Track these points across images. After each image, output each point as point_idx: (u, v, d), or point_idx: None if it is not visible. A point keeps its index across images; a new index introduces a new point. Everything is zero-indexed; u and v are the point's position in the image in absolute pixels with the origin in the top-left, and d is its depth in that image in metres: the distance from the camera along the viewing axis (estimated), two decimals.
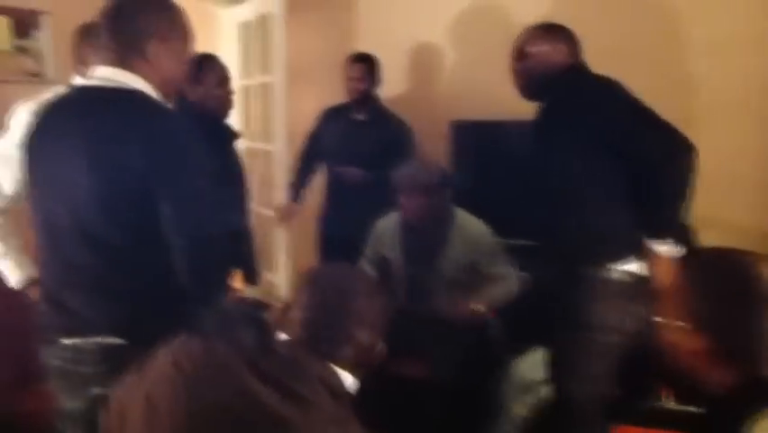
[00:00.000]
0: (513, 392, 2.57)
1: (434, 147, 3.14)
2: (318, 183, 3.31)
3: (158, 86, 1.45)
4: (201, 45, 2.68)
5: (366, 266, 2.68)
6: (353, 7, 3.47)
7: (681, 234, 1.81)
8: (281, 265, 3.69)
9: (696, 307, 1.16)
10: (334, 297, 1.23)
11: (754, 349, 1.11)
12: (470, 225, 2.51)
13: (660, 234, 1.80)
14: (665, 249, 1.79)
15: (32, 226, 1.48)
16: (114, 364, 1.34)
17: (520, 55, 2.04)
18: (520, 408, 2.48)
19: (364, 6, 3.45)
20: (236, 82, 3.76)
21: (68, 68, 1.99)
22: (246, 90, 3.87)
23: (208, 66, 2.38)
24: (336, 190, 3.19)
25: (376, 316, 1.25)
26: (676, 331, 1.18)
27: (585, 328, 1.88)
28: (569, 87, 1.92)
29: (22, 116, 1.78)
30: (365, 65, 3.08)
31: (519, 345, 2.64)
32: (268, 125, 3.64)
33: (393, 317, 1.33)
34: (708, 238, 2.16)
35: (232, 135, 2.49)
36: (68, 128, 1.38)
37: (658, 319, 1.24)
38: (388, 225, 2.63)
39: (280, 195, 3.44)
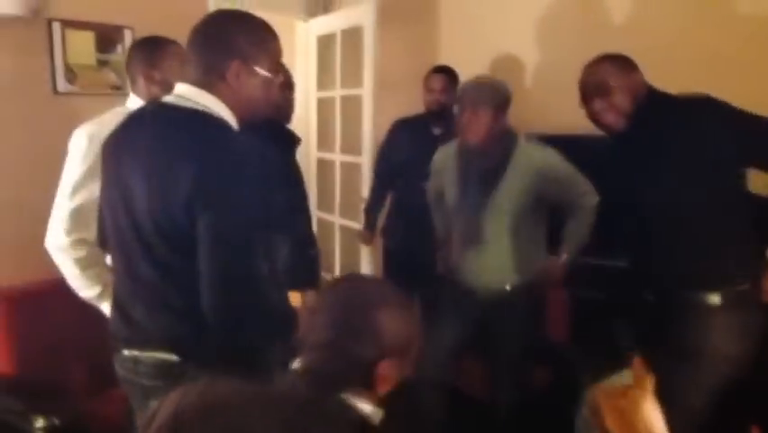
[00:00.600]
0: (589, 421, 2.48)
1: None
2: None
3: (237, 107, 1.41)
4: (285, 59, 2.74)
5: (430, 202, 2.63)
6: (436, 20, 3.42)
7: None
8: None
9: None
10: (354, 315, 1.07)
11: None
12: (534, 152, 2.34)
13: None
14: None
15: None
16: (168, 380, 1.35)
17: (604, 91, 1.92)
18: None
19: (446, 19, 3.39)
20: (313, 94, 3.85)
21: None
22: (325, 102, 3.90)
23: None
24: (409, 206, 3.08)
25: (402, 337, 1.09)
26: None
27: (694, 356, 1.79)
28: (672, 111, 1.84)
29: (80, 140, 1.82)
30: (446, 77, 3.01)
31: (600, 369, 2.54)
32: (351, 137, 3.64)
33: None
34: None
35: (294, 140, 2.48)
36: (136, 144, 1.39)
37: None
38: (446, 153, 2.51)
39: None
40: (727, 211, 1.80)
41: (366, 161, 3.44)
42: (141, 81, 1.95)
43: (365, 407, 1.05)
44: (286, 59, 3.35)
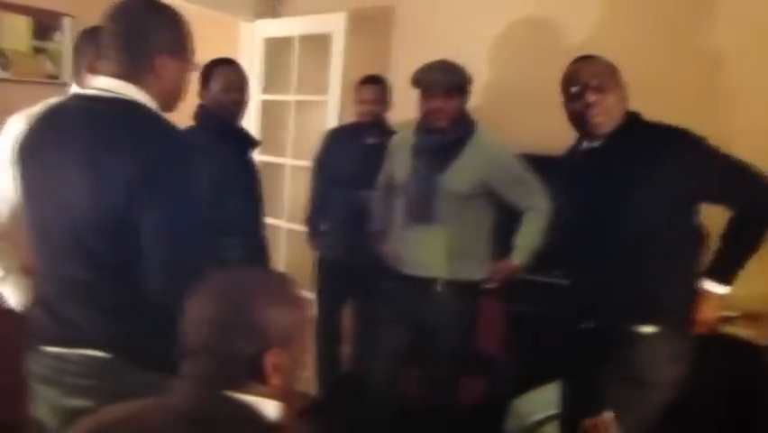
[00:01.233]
0: (515, 431, 2.52)
1: None
2: None
3: (160, 99, 1.43)
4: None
5: (379, 190, 2.64)
6: (391, 33, 3.45)
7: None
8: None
9: None
10: (230, 310, 1.01)
11: None
12: (491, 141, 2.37)
13: (723, 279, 1.82)
14: (722, 290, 1.82)
15: (27, 237, 1.45)
16: (99, 378, 1.34)
17: (601, 87, 1.83)
18: None
19: (401, 33, 3.42)
20: (257, 96, 3.79)
21: None
22: (273, 105, 3.87)
23: (215, 72, 2.36)
24: (343, 216, 3.09)
25: (284, 325, 1.03)
26: None
27: (639, 386, 1.82)
28: (648, 136, 1.83)
29: (15, 127, 1.74)
30: (377, 87, 3.02)
31: (526, 382, 2.58)
32: (304, 142, 3.61)
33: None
34: None
35: (250, 143, 2.45)
36: (62, 138, 1.36)
37: None
38: (403, 135, 2.53)
39: None
40: (676, 243, 1.83)
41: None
42: (85, 72, 1.88)
43: (265, 405, 1.02)
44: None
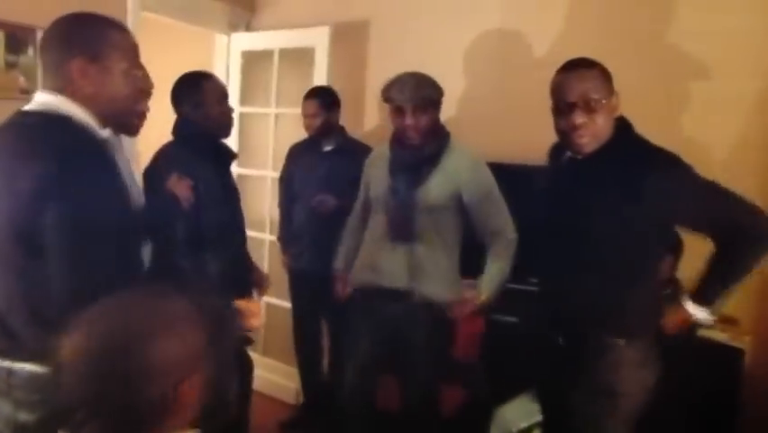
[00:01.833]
0: None
1: None
2: None
3: (96, 106, 1.41)
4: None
5: (358, 207, 2.64)
6: (366, 48, 3.47)
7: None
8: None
9: None
10: (117, 358, 0.87)
11: None
12: (463, 152, 2.35)
13: (707, 304, 1.80)
14: (704, 315, 1.81)
15: None
16: (43, 392, 1.31)
17: (590, 105, 1.71)
18: None
19: (376, 41, 3.45)
20: (236, 109, 3.76)
21: None
22: (250, 118, 3.86)
23: (205, 84, 2.35)
24: (309, 227, 3.15)
25: (184, 355, 0.92)
26: None
27: (610, 395, 1.82)
28: (638, 157, 1.74)
29: None
30: (317, 100, 3.09)
31: (505, 391, 2.59)
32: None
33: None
34: None
35: (230, 156, 2.44)
36: None
37: None
38: (378, 153, 2.53)
39: None
40: (646, 260, 1.83)
41: None
42: None
43: None
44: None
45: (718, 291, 1.79)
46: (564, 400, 1.90)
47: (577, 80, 1.73)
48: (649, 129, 1.81)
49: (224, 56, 3.79)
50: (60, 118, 1.37)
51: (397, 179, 2.34)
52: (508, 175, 2.40)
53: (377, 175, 2.46)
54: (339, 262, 2.69)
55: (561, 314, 1.94)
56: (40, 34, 2.70)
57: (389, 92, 2.28)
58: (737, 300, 2.09)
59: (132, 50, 1.49)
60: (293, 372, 3.54)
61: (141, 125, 2.01)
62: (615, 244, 1.77)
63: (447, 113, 3.17)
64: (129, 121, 1.56)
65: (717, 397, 2.29)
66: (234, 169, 3.76)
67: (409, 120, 2.25)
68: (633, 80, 2.60)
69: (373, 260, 2.42)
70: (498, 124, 2.98)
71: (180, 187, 2.11)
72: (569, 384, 1.88)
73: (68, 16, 1.45)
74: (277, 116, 3.71)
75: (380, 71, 3.32)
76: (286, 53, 3.61)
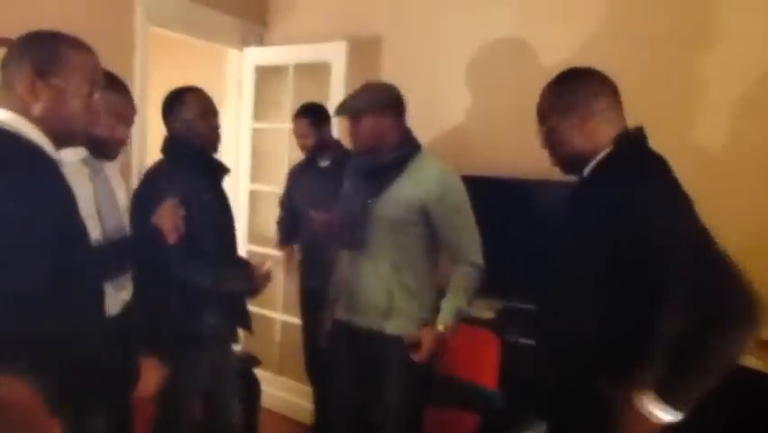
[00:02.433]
0: None
1: None
2: None
3: (48, 125, 1.37)
4: (214, 86, 2.63)
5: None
6: (379, 62, 3.41)
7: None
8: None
9: None
10: None
11: None
12: (432, 164, 2.20)
13: (672, 402, 1.41)
14: (669, 417, 1.41)
15: None
16: None
17: (543, 128, 1.68)
18: None
19: (388, 55, 3.38)
20: (247, 125, 3.73)
21: None
22: (264, 133, 3.81)
23: (188, 98, 2.28)
24: (315, 248, 3.06)
25: None
26: None
27: None
28: (616, 183, 1.52)
29: None
30: (306, 119, 3.05)
31: (522, 418, 2.45)
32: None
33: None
34: None
35: (221, 170, 2.37)
36: None
37: None
38: (351, 165, 2.42)
39: None
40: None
41: None
42: None
43: None
44: (216, 87, 3.26)
45: (690, 392, 1.41)
46: None
47: (540, 97, 1.74)
48: (665, 138, 1.70)
49: (237, 71, 3.74)
50: (3, 132, 1.32)
51: (352, 186, 2.29)
52: (526, 191, 2.28)
53: (345, 184, 2.39)
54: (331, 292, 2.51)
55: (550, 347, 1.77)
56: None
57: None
58: None
59: (90, 72, 1.43)
60: (309, 391, 3.46)
61: (119, 151, 1.97)
62: (585, 278, 1.57)
63: (459, 125, 3.13)
64: (104, 145, 1.63)
65: (753, 427, 2.12)
66: (247, 184, 3.76)
67: (349, 127, 2.23)
68: (648, 89, 2.55)
69: (347, 285, 2.30)
70: (513, 138, 2.88)
71: (167, 220, 1.97)
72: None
73: (28, 33, 1.42)
74: (291, 132, 3.63)
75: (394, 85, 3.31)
76: (300, 68, 3.57)
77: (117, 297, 1.90)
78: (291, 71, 3.57)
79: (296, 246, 3.33)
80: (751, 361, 2.18)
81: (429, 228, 2.18)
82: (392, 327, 2.19)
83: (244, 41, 3.66)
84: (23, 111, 1.34)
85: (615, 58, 2.60)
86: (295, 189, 3.24)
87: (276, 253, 3.59)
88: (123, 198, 2.00)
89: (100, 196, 1.85)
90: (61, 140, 1.42)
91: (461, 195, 2.19)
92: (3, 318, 1.15)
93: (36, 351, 1.17)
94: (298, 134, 3.11)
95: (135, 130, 2.93)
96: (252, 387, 2.98)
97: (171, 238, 1.95)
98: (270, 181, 3.71)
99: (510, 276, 2.46)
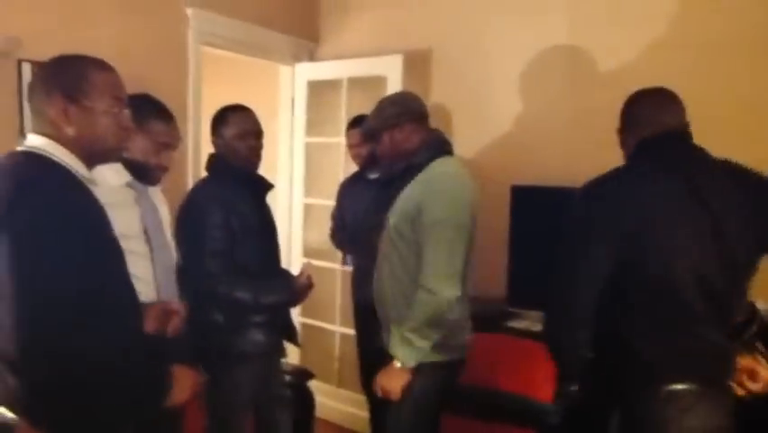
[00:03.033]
0: None
1: (497, 210, 2.94)
2: None
3: (82, 148, 1.41)
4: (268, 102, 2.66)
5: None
6: (429, 73, 3.41)
7: None
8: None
9: None
10: None
11: None
12: (435, 170, 2.09)
13: None
14: None
15: None
16: None
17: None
18: None
19: (439, 68, 3.38)
20: (300, 139, 3.78)
21: None
22: (316, 147, 3.85)
23: (230, 118, 2.31)
24: (364, 258, 2.96)
25: None
26: None
27: None
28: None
29: None
30: (359, 130, 2.94)
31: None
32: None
33: None
34: None
35: (265, 187, 2.40)
36: None
37: None
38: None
39: None
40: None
41: None
42: None
43: None
44: (270, 103, 3.31)
45: None
46: None
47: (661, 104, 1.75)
48: (726, 143, 1.69)
49: (289, 87, 3.80)
50: (36, 156, 1.37)
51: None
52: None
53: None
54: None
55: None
56: None
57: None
58: None
59: (117, 90, 1.47)
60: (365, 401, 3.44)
61: (161, 177, 2.00)
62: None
63: (510, 135, 3.08)
64: (148, 170, 1.71)
65: None
66: (301, 198, 3.80)
67: (378, 150, 2.27)
68: (705, 98, 2.44)
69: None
70: (565, 146, 2.83)
71: (153, 321, 1.74)
72: None
73: (51, 59, 1.46)
74: (345, 145, 3.65)
75: (444, 97, 3.31)
76: (354, 82, 3.59)
77: None
78: (345, 84, 3.60)
79: (349, 258, 3.34)
80: None
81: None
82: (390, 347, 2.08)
83: (296, 58, 3.72)
84: (56, 136, 1.39)
85: (673, 64, 2.54)
86: (345, 202, 3.25)
87: (334, 265, 3.62)
88: (166, 214, 2.05)
89: (146, 216, 1.90)
90: (96, 158, 1.47)
91: (443, 208, 2.00)
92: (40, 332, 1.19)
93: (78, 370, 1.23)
94: (352, 144, 3.11)
95: (189, 147, 3.03)
96: (306, 400, 2.99)
97: (172, 333, 1.80)
98: (326, 195, 3.73)
99: None
